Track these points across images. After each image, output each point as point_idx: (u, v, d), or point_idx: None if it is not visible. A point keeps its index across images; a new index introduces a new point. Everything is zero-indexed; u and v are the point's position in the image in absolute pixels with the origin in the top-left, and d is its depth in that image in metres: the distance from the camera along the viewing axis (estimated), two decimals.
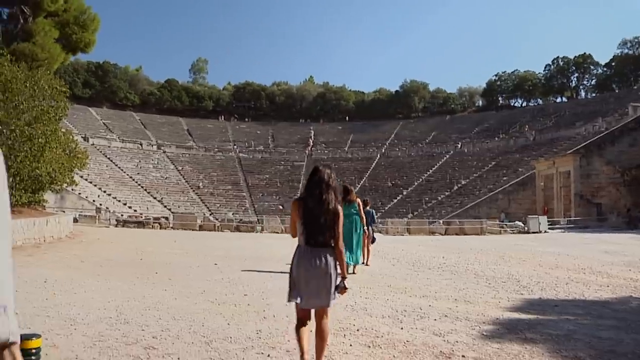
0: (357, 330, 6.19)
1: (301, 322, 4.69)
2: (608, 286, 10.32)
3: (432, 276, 11.30)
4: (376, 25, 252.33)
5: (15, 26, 24.48)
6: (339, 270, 4.69)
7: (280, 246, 19.22)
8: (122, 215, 41.68)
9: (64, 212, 35.16)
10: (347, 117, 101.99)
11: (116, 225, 33.42)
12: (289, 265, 4.72)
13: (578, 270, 12.72)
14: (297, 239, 4.73)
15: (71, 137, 21.10)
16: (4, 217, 1.49)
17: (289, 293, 4.69)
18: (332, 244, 4.68)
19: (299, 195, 5.15)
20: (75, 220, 34.67)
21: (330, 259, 4.61)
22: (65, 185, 21.21)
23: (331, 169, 4.97)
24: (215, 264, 12.25)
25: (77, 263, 11.92)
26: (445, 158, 75.83)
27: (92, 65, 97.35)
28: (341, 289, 4.66)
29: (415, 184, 69.97)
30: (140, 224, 33.28)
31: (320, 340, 4.67)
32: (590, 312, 7.73)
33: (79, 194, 52.13)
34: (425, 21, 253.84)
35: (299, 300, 4.60)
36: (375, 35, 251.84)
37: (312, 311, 4.75)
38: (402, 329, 6.29)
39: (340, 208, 4.76)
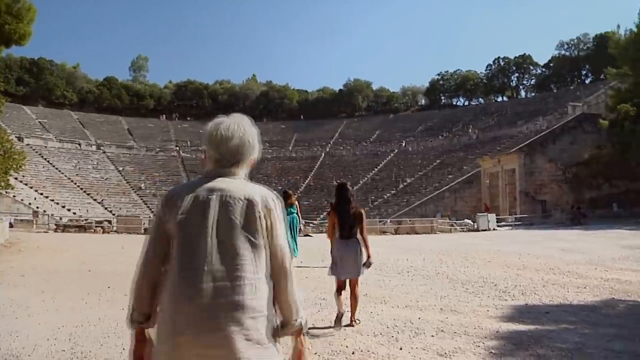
0: (353, 353, 5.47)
1: (339, 289, 6.87)
2: (585, 287, 9.97)
3: (405, 282, 10.68)
4: (319, 24, 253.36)
5: None
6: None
7: None
8: (61, 219, 39.82)
9: None
10: (291, 116, 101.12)
11: (55, 230, 31.66)
12: None
13: (547, 271, 12.39)
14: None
15: (6, 136, 19.51)
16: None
17: (329, 269, 7.00)
18: (358, 235, 6.87)
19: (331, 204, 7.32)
20: (11, 226, 32.81)
21: (357, 246, 6.85)
22: None
23: (350, 185, 7.42)
24: None
25: (16, 278, 10.67)
26: (390, 157, 76.09)
27: (26, 61, 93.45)
28: (368, 264, 6.91)
29: (361, 182, 69.81)
30: (82, 228, 31.65)
31: (354, 300, 6.87)
32: (584, 318, 7.28)
33: (14, 196, 49.59)
34: (369, 20, 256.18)
35: (337, 275, 6.86)
36: (319, 34, 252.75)
37: (347, 281, 6.96)
38: (401, 349, 5.60)
39: (362, 211, 7.05)
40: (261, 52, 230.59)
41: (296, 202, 14.97)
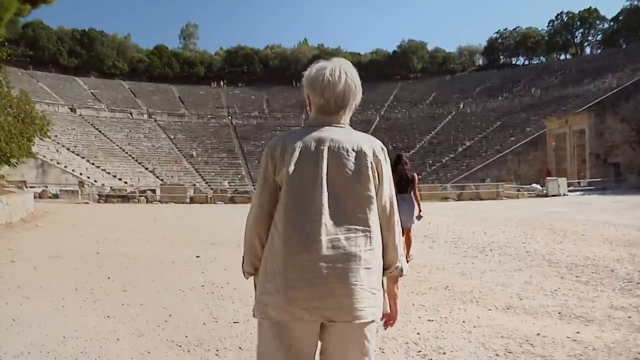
0: None
1: None
2: None
3: (493, 266, 8.28)
4: None
5: None
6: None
7: None
8: (110, 187, 38.69)
9: (35, 187, 32.14)
10: None
11: (98, 201, 30.29)
12: None
13: None
14: None
15: (25, 99, 17.67)
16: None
17: None
18: (411, 192, 9.11)
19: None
20: (56, 196, 31.78)
21: (410, 200, 9.01)
22: (15, 159, 17.48)
23: (405, 155, 9.71)
24: (197, 257, 9.10)
25: (4, 264, 8.67)
26: (447, 119, 73.12)
27: (77, 32, 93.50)
28: (419, 217, 9.18)
29: (418, 146, 67.21)
30: (125, 198, 30.20)
31: (407, 245, 8.69)
32: None
33: (65, 167, 49.43)
34: None
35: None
36: None
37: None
38: None
39: (415, 174, 9.37)
40: (313, 16, 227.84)
41: None
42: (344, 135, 2.28)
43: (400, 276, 2.36)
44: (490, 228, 13.58)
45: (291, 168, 2.19)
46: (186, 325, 5.01)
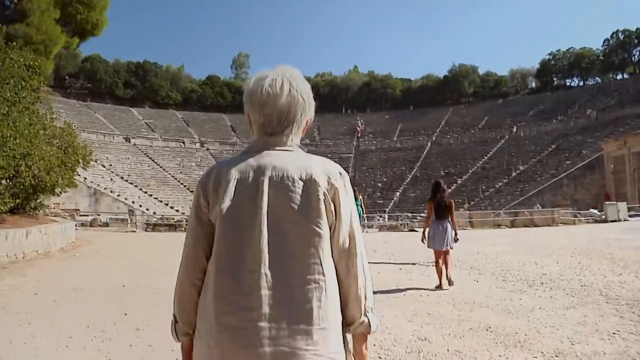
0: None
1: (437, 259, 9.52)
2: None
3: (543, 302, 7.54)
4: (421, 11, 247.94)
5: (10, 3, 21.07)
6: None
7: None
8: (161, 216, 39.00)
9: (86, 216, 32.47)
10: (394, 106, 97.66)
11: (145, 229, 30.44)
12: None
13: None
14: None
15: (68, 129, 17.86)
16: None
17: (428, 243, 9.79)
18: (449, 218, 9.76)
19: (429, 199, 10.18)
20: (106, 225, 32.15)
21: (447, 225, 9.65)
22: (59, 189, 17.57)
23: (443, 182, 10.72)
24: None
25: (26, 296, 8.38)
26: (500, 143, 71.37)
27: (132, 65, 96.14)
28: (455, 240, 9.72)
29: (470, 171, 65.72)
30: (172, 227, 30.26)
31: (446, 266, 9.43)
32: None
33: (118, 195, 50.30)
34: (473, 2, 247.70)
35: (433, 246, 9.59)
36: (421, 21, 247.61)
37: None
38: None
39: (452, 201, 10.06)
40: (362, 43, 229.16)
41: (360, 197, 17.75)
42: (290, 160, 1.88)
43: (369, 333, 1.89)
44: (542, 258, 12.75)
45: (224, 205, 1.82)
46: None
